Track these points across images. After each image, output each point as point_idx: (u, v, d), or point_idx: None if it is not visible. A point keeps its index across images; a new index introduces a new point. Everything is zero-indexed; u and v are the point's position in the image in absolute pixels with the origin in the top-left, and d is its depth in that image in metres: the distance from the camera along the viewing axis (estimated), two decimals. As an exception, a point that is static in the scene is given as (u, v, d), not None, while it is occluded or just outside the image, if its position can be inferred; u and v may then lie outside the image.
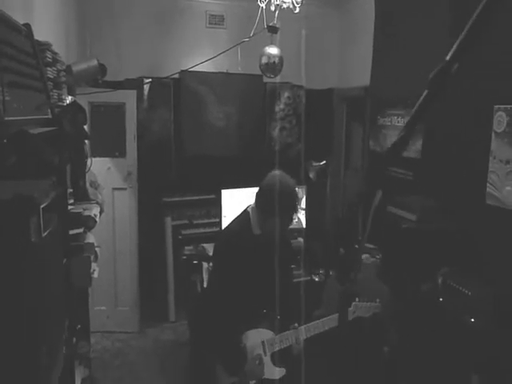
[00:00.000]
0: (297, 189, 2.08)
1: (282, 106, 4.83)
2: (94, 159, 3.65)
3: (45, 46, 2.02)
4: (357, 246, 3.27)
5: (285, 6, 2.80)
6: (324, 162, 3.52)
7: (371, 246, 3.67)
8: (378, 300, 2.27)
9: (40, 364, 1.07)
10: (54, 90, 2.14)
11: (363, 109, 4.51)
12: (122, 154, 3.74)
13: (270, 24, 3.11)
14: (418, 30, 3.60)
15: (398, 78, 3.88)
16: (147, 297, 4.01)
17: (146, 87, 4.30)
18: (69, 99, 2.42)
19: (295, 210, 2.03)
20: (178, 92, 4.41)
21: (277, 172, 2.08)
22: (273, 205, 1.96)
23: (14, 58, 1.55)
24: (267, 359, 2.04)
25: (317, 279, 3.19)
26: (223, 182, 3.56)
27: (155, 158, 4.31)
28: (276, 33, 3.17)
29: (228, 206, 3.33)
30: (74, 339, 2.20)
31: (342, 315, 1.35)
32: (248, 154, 4.63)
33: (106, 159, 3.73)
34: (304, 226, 3.65)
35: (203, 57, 4.12)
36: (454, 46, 0.63)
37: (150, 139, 4.31)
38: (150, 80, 4.29)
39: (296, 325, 2.11)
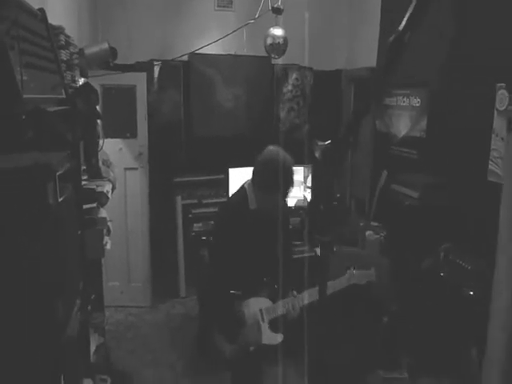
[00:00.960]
0: (293, 166, 2.11)
1: (289, 88, 4.88)
2: (106, 140, 3.78)
3: (58, 30, 2.12)
4: (361, 224, 3.37)
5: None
6: (329, 141, 3.58)
7: (376, 223, 3.77)
8: (372, 268, 2.35)
9: (57, 316, 1.20)
10: (68, 72, 2.24)
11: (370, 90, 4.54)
12: (133, 134, 3.86)
13: (275, 5, 3.16)
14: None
15: (405, 57, 3.90)
16: (159, 273, 4.18)
17: (157, 70, 4.39)
18: (81, 81, 2.53)
19: (290, 186, 2.08)
20: (187, 74, 4.49)
21: (272, 148, 2.14)
22: (267, 181, 2.04)
23: (30, 41, 1.65)
24: (265, 326, 2.14)
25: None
26: (231, 162, 3.65)
27: (166, 138, 4.42)
28: (280, 14, 3.22)
29: (236, 184, 3.44)
30: (89, 307, 2.35)
31: (323, 267, 1.44)
32: (256, 134, 4.70)
33: (118, 140, 3.85)
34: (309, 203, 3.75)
35: (212, 39, 4.19)
36: (405, 17, 0.72)
37: (161, 121, 4.41)
38: (160, 63, 4.37)
39: (294, 292, 2.21)
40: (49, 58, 1.90)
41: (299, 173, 3.76)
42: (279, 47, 3.42)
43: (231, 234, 2.12)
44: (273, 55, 3.53)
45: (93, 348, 2.55)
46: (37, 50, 1.72)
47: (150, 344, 3.54)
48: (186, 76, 4.49)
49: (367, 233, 3.50)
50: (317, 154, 3.95)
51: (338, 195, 4.46)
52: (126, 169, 3.89)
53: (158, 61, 4.36)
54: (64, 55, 2.18)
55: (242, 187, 2.23)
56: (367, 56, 4.42)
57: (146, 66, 4.26)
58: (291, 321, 2.18)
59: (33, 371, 1.19)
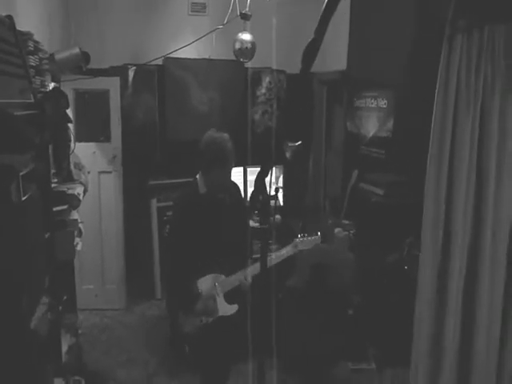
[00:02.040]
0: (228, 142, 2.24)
1: (263, 91, 4.99)
2: (79, 144, 3.82)
3: (26, 36, 2.17)
4: (330, 221, 3.47)
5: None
6: (299, 142, 3.70)
7: (347, 221, 3.89)
8: (318, 233, 2.49)
9: (22, 309, 1.26)
10: (37, 77, 2.29)
11: (341, 92, 4.68)
12: (107, 138, 3.90)
13: (243, 11, 3.26)
14: (389, 15, 3.76)
15: (372, 61, 4.04)
16: (134, 275, 4.21)
17: (131, 74, 4.44)
18: (51, 85, 2.57)
19: (228, 161, 2.22)
20: (162, 78, 4.55)
21: (209, 132, 2.30)
22: (207, 161, 2.21)
23: (-5, 47, 1.70)
24: (220, 299, 2.31)
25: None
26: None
27: (141, 142, 4.47)
28: (248, 20, 3.33)
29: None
30: (61, 308, 2.39)
31: (262, 255, 1.53)
32: (230, 137, 4.78)
33: (92, 144, 3.88)
34: (282, 203, 3.85)
35: (186, 43, 4.26)
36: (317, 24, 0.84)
37: (136, 124, 4.46)
38: (135, 67, 4.42)
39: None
40: (16, 64, 1.95)
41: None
42: (247, 51, 3.53)
43: (184, 219, 2.28)
44: (241, 59, 3.64)
45: (65, 348, 2.59)
46: (2, 56, 1.78)
47: (125, 345, 3.57)
48: (161, 80, 4.55)
49: (336, 230, 3.62)
50: (287, 155, 4.07)
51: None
52: (99, 172, 3.92)
53: (132, 65, 4.41)
54: (33, 61, 2.22)
55: (195, 177, 2.38)
56: (338, 59, 4.56)
57: (119, 71, 4.30)
58: (245, 291, 2.33)
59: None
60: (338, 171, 4.96)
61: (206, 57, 4.63)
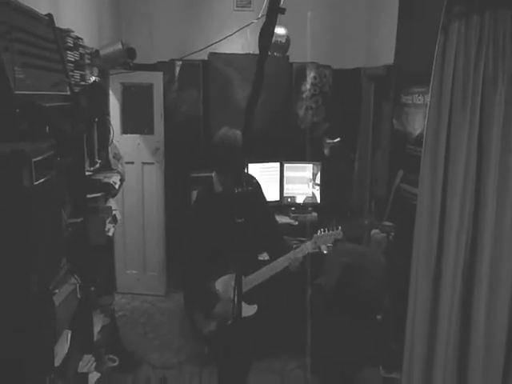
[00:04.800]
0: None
1: (308, 86, 4.93)
2: (125, 135, 4.01)
3: (66, 33, 2.31)
4: (366, 222, 3.38)
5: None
6: (338, 139, 3.63)
7: (389, 223, 3.75)
8: (339, 228, 2.40)
9: (30, 288, 1.35)
10: (76, 71, 2.44)
11: (388, 88, 4.52)
12: (151, 131, 4.05)
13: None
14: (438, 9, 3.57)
15: (420, 55, 3.86)
16: (174, 264, 4.36)
17: (177, 69, 4.58)
18: (92, 79, 2.73)
19: (238, 158, 2.10)
20: (206, 73, 4.65)
21: (222, 130, 2.26)
22: (220, 160, 2.19)
23: (31, 44, 1.84)
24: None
25: (325, 252, 3.33)
26: (248, 157, 3.76)
27: (185, 135, 4.60)
28: (283, 13, 3.29)
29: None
30: (93, 289, 2.54)
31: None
32: (274, 132, 4.79)
33: (136, 136, 4.06)
34: (318, 201, 3.80)
35: (231, 38, 4.32)
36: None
37: (180, 117, 4.59)
38: (181, 62, 4.55)
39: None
40: (53, 59, 2.09)
41: (308, 170, 3.82)
42: (282, 45, 3.51)
43: (201, 219, 2.29)
44: (275, 53, 3.63)
45: (98, 327, 2.74)
46: (38, 52, 1.91)
47: (160, 330, 3.72)
48: (206, 75, 4.65)
49: (373, 231, 3.51)
50: (325, 151, 4.00)
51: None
52: (143, 163, 4.09)
53: (178, 60, 4.54)
54: (72, 56, 2.37)
55: (211, 176, 2.37)
56: (386, 54, 4.41)
57: (166, 66, 4.45)
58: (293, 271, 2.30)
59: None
60: (385, 170, 4.80)
61: (251, 52, 4.66)
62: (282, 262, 2.29)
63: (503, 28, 1.71)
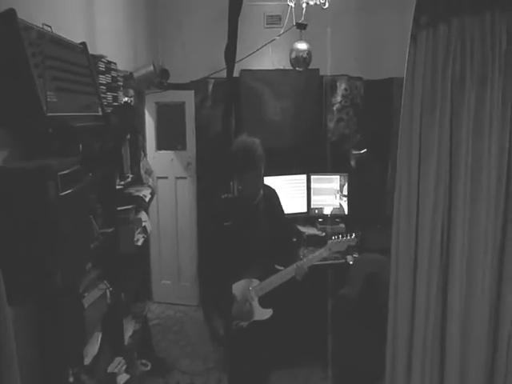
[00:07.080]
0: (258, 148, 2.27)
1: (338, 98, 4.98)
2: (160, 152, 4.23)
3: (98, 58, 2.53)
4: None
5: (311, 2, 3.03)
6: (365, 150, 3.65)
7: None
8: (353, 234, 2.46)
9: (55, 280, 1.51)
10: (108, 93, 2.65)
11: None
12: (183, 146, 4.25)
13: (299, 21, 3.36)
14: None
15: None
16: (205, 275, 4.49)
17: (210, 86, 4.78)
18: (124, 100, 2.94)
19: (256, 167, 2.23)
20: (238, 89, 4.81)
21: (239, 138, 2.37)
22: (237, 166, 2.26)
23: (64, 70, 2.04)
24: (255, 303, 2.37)
25: (351, 262, 3.34)
26: (278, 171, 3.87)
27: (217, 151, 4.76)
28: (304, 29, 3.41)
29: (281, 192, 3.58)
30: (123, 294, 2.70)
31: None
32: (305, 144, 4.86)
33: (170, 152, 4.27)
34: (346, 212, 3.82)
35: (262, 56, 4.50)
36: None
37: (213, 134, 4.77)
38: (213, 80, 4.75)
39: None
40: (85, 83, 2.29)
41: (335, 181, 3.85)
42: (304, 60, 3.62)
43: (220, 225, 2.36)
44: (297, 68, 3.74)
45: (129, 332, 2.90)
46: (71, 77, 2.11)
47: (191, 338, 3.85)
48: (237, 91, 4.81)
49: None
50: (352, 163, 4.02)
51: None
52: (176, 178, 4.29)
53: (211, 78, 4.74)
54: (104, 79, 2.58)
55: (231, 183, 2.47)
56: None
57: (199, 84, 4.66)
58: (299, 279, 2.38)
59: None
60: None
61: (281, 67, 4.79)
62: (289, 272, 2.38)
63: (470, 34, 1.74)
